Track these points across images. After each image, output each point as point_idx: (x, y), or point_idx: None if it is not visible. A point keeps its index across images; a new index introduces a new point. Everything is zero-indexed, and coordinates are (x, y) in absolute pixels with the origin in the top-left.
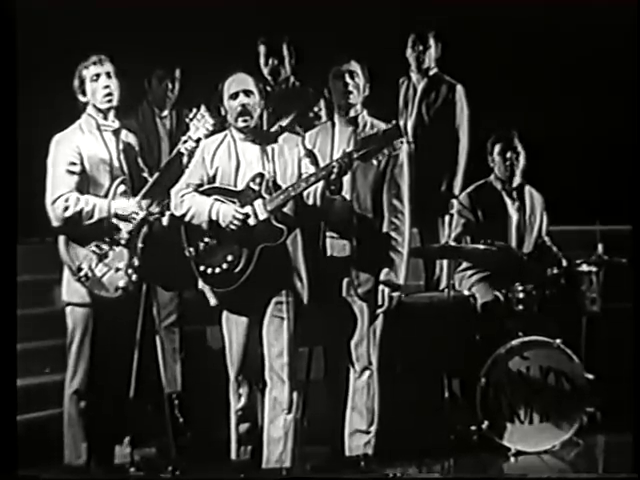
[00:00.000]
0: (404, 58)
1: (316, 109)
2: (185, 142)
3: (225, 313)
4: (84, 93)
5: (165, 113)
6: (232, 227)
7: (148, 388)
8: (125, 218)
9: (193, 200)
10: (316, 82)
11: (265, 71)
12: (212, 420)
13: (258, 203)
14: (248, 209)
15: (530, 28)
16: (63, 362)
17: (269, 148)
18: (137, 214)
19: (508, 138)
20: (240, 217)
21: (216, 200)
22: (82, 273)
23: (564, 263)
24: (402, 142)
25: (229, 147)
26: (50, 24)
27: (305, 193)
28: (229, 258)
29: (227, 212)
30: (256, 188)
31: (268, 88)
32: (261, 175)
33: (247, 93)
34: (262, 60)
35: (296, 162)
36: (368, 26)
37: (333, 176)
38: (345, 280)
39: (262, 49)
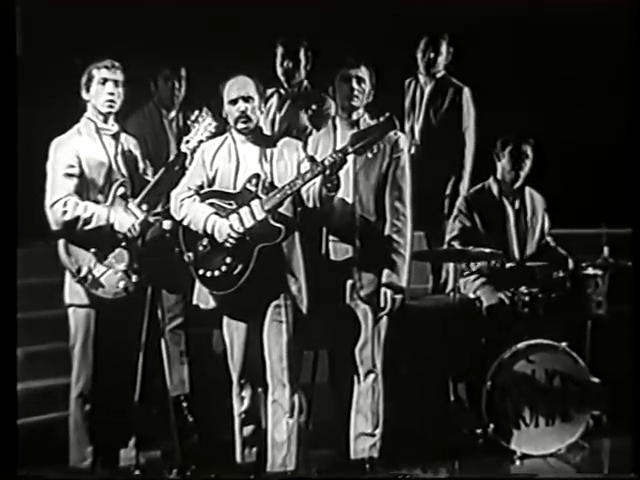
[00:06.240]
0: (411, 59)
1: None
2: (187, 143)
3: (225, 318)
4: (88, 90)
5: (172, 115)
6: (227, 245)
7: (153, 391)
8: (123, 233)
9: (191, 207)
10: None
11: (279, 72)
12: (217, 423)
13: (255, 203)
14: (244, 219)
15: (536, 31)
16: (69, 365)
17: (269, 150)
18: (135, 229)
19: (523, 142)
20: (236, 236)
21: (213, 213)
22: (82, 274)
23: (570, 264)
24: (396, 134)
25: (229, 149)
26: (52, 25)
27: (305, 195)
28: (228, 260)
29: (223, 229)
30: (253, 189)
31: (281, 90)
32: (257, 176)
33: (246, 99)
34: (278, 61)
35: (295, 165)
36: (378, 29)
37: (328, 171)
38: (348, 284)
39: (279, 50)
